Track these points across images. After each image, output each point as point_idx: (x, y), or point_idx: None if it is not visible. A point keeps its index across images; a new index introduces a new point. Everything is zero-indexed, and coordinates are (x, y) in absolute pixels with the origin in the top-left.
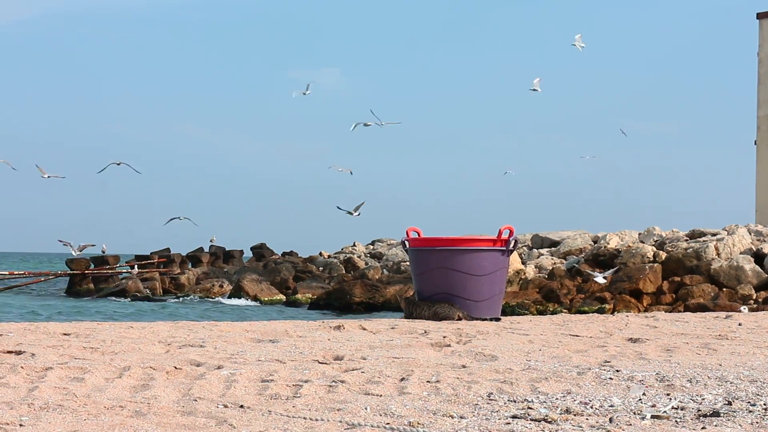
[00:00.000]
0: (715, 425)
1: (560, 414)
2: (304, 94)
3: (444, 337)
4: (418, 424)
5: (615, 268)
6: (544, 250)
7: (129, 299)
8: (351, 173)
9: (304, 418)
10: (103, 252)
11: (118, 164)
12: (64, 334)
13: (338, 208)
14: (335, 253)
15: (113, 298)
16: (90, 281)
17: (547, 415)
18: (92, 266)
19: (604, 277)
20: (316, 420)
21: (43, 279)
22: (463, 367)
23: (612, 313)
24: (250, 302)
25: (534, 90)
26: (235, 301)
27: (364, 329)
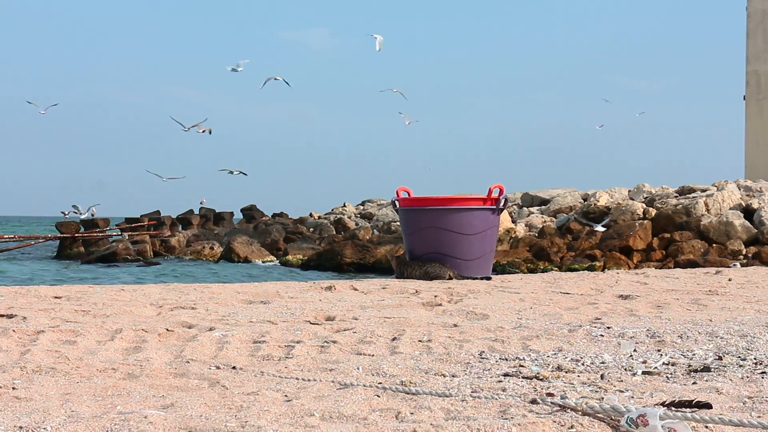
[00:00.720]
0: (706, 380)
1: (552, 371)
2: (235, 70)
3: (435, 296)
4: (410, 383)
5: (610, 218)
6: (534, 209)
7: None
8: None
9: (297, 379)
10: (93, 215)
11: (276, 79)
12: (56, 297)
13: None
14: (325, 214)
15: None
16: (80, 244)
17: (538, 373)
18: (82, 229)
19: (604, 226)
20: (309, 380)
21: (33, 243)
22: (455, 326)
23: (602, 270)
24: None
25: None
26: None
27: (356, 290)
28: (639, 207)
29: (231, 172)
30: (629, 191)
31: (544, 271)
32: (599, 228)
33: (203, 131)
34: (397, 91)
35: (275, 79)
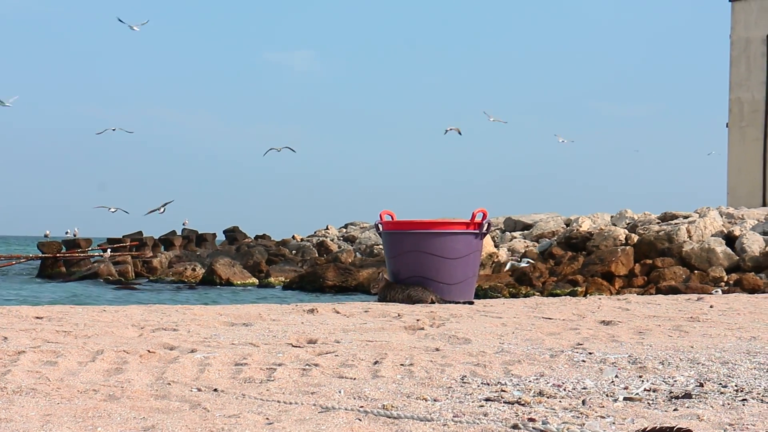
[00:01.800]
0: (687, 407)
1: (533, 396)
2: (131, 27)
3: (417, 320)
4: (392, 407)
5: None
6: (516, 233)
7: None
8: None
9: (278, 402)
10: (75, 235)
11: (114, 130)
12: (37, 318)
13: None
14: (308, 237)
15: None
16: (62, 264)
17: (520, 398)
18: (64, 249)
19: (527, 262)
20: (290, 403)
21: (14, 262)
22: (437, 350)
23: (584, 295)
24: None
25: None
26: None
27: (338, 312)
28: (621, 233)
29: (278, 150)
30: (611, 217)
31: (526, 296)
32: (523, 263)
33: (280, 150)
34: (454, 129)
35: (278, 150)
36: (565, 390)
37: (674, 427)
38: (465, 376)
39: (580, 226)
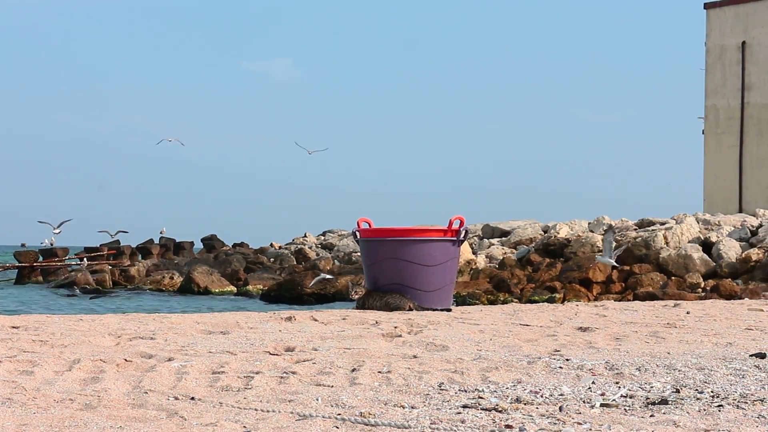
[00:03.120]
0: (664, 413)
1: (510, 403)
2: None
3: (395, 327)
4: (369, 414)
5: (623, 247)
6: (494, 240)
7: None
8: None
9: (256, 410)
10: (52, 244)
11: (170, 141)
12: (13, 327)
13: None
14: (286, 244)
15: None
16: (39, 273)
17: (497, 405)
18: (41, 258)
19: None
20: (268, 411)
21: None
22: (414, 357)
23: (562, 302)
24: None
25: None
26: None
27: (316, 320)
28: (599, 239)
29: (309, 152)
30: (589, 223)
31: (504, 302)
32: (328, 276)
33: (317, 151)
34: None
35: (169, 140)
36: (542, 396)
37: None
38: (442, 383)
39: (558, 233)
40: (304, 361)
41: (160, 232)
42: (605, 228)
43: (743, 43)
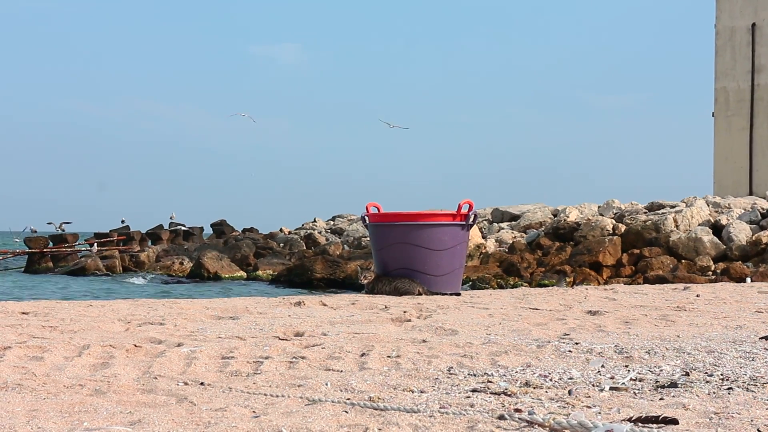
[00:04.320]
0: (673, 396)
1: (520, 387)
2: None
3: (404, 312)
4: (379, 399)
5: None
6: (504, 224)
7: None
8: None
9: (265, 395)
10: (62, 230)
11: (244, 115)
12: (23, 313)
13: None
14: (296, 229)
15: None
16: (49, 259)
17: (506, 389)
18: (51, 244)
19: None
20: (277, 396)
21: (1, 258)
22: (424, 341)
23: (572, 286)
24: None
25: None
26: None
27: (325, 305)
28: (608, 223)
29: (389, 125)
30: (599, 207)
31: (514, 286)
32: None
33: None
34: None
35: (242, 115)
36: (551, 380)
37: (660, 416)
38: (452, 368)
39: (568, 217)
40: (314, 345)
41: (170, 218)
42: (615, 211)
43: (753, 25)
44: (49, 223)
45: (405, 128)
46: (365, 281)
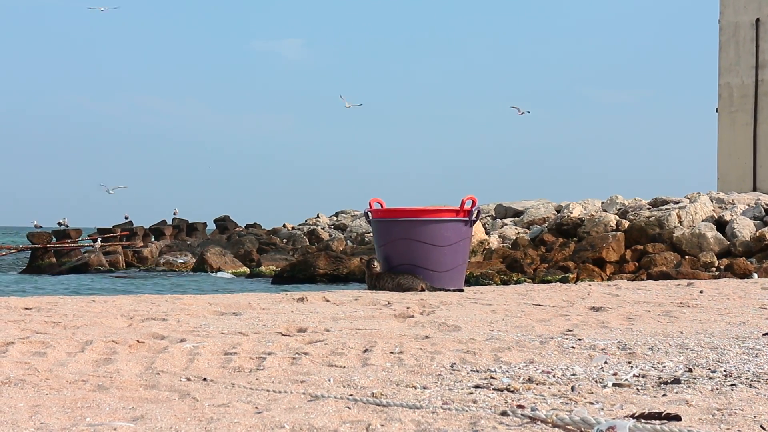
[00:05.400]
0: (676, 392)
1: (522, 383)
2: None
3: (407, 308)
4: (381, 395)
5: None
6: (507, 220)
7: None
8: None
9: (268, 391)
10: (66, 225)
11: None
12: (26, 309)
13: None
14: (299, 225)
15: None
16: (52, 255)
17: (509, 385)
18: (54, 240)
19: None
20: (280, 392)
21: (4, 253)
22: (426, 337)
23: (575, 282)
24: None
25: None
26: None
27: (328, 301)
28: (612, 219)
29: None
30: (602, 203)
31: (517, 282)
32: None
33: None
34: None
35: (101, 9)
36: (554, 377)
37: (663, 412)
38: (454, 364)
39: (571, 213)
40: (316, 341)
41: (173, 213)
42: (618, 207)
43: (757, 20)
44: (102, 185)
45: (359, 105)
46: (376, 270)
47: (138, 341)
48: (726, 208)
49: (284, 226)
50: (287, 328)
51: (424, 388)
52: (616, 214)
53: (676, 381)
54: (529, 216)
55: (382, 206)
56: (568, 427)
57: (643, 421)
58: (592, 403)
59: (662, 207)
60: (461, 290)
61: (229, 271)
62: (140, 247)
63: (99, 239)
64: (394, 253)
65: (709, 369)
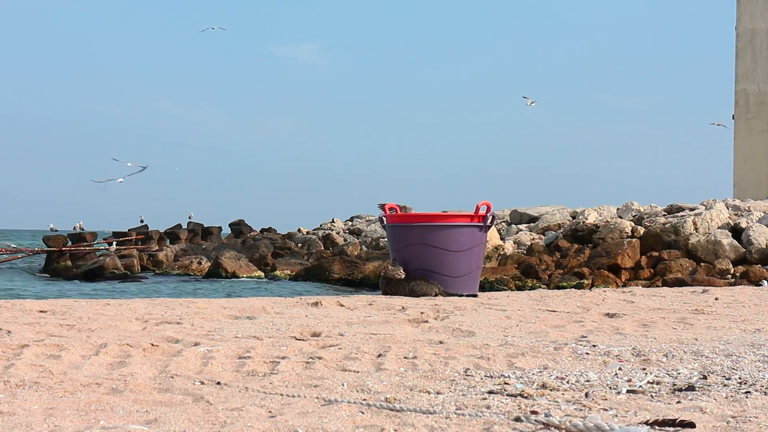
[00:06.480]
0: (690, 399)
1: (536, 389)
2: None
3: (421, 313)
4: (395, 399)
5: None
6: (522, 226)
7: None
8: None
9: (281, 395)
10: (82, 229)
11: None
12: (41, 312)
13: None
14: (314, 230)
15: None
16: (67, 258)
17: (523, 390)
18: (69, 243)
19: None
20: (293, 396)
21: (20, 256)
22: (441, 343)
23: (590, 288)
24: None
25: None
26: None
27: (342, 306)
28: (627, 225)
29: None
30: (617, 209)
31: (532, 288)
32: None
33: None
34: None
35: (212, 28)
36: (568, 383)
37: (677, 419)
38: (468, 369)
39: (587, 219)
40: (330, 346)
41: (189, 217)
42: (634, 214)
43: None
44: (115, 159)
45: (143, 167)
46: (398, 276)
47: (152, 344)
48: (742, 215)
49: (299, 230)
50: (301, 333)
51: (438, 393)
52: (632, 220)
53: (691, 388)
54: (544, 222)
55: (397, 211)
56: None
57: (657, 427)
58: (606, 410)
59: (678, 214)
60: (475, 295)
61: (244, 275)
62: (155, 250)
63: (114, 242)
64: (409, 258)
65: (724, 376)
